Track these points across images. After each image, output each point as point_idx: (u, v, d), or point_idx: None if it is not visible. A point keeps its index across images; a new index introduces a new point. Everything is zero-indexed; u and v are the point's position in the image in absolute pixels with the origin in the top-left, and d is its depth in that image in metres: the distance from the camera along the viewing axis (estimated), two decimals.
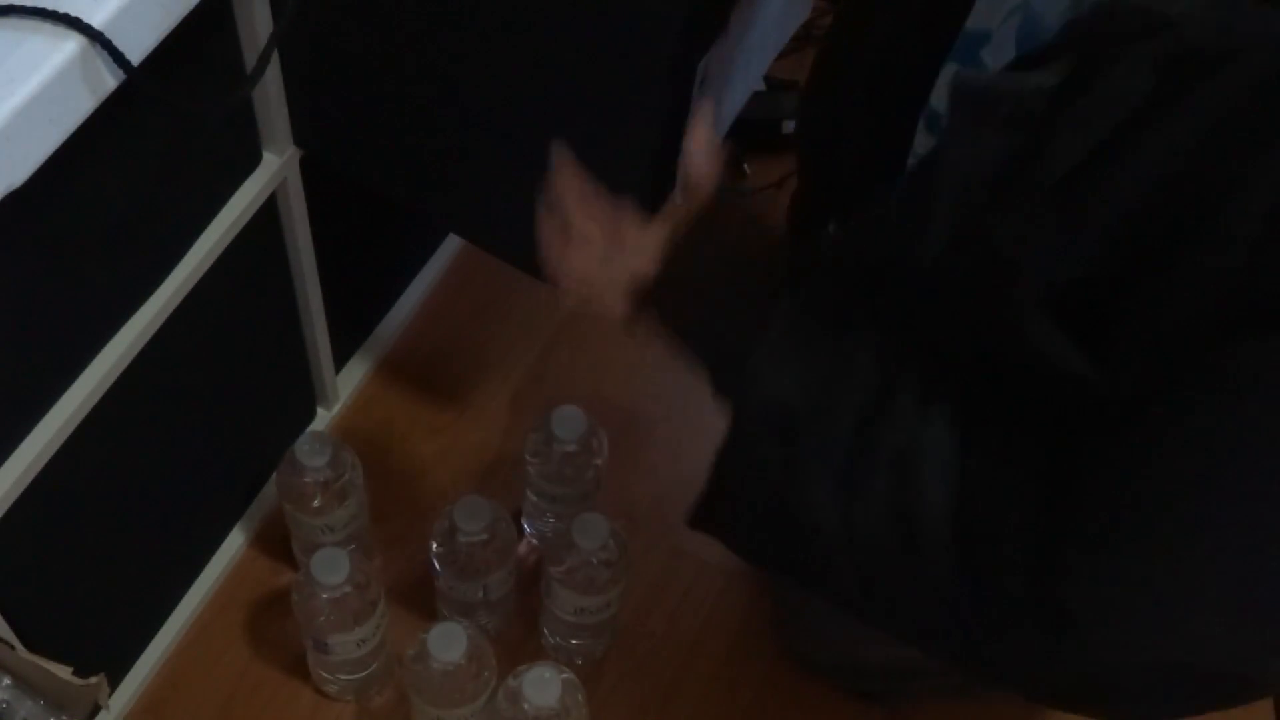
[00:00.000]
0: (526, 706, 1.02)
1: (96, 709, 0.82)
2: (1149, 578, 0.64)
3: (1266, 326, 0.57)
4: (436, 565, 1.16)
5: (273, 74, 0.94)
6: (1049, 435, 0.68)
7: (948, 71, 0.82)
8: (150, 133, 0.86)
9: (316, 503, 1.16)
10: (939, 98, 0.83)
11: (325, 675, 1.19)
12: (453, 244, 1.47)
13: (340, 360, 1.34)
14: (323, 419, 1.34)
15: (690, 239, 0.80)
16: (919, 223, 0.72)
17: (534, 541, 1.30)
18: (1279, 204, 0.55)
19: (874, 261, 0.80)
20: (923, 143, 0.84)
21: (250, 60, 0.89)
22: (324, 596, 1.08)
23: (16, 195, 0.66)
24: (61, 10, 0.65)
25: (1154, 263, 0.60)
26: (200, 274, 0.96)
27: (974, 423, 0.71)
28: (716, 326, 0.80)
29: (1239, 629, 0.65)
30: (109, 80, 0.68)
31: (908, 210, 0.77)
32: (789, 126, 1.54)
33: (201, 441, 1.13)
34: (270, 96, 0.95)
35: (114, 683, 1.17)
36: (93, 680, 0.80)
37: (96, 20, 0.66)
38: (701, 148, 0.80)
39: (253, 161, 1.00)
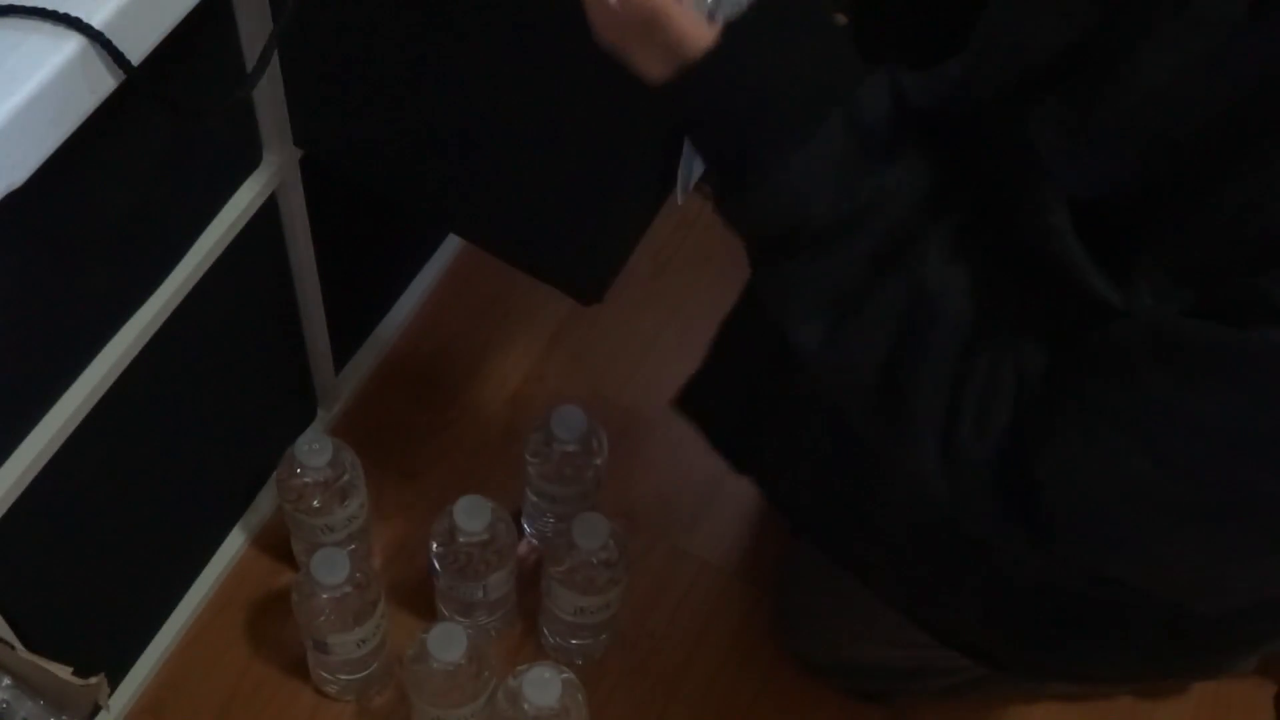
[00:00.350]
0: (526, 706, 1.02)
1: (96, 709, 0.82)
2: (1131, 464, 0.63)
3: None
4: (436, 565, 1.16)
5: (273, 74, 0.94)
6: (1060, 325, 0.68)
7: None
8: (150, 133, 0.86)
9: (316, 503, 1.16)
10: None
11: (325, 675, 1.19)
12: (453, 244, 1.47)
13: (340, 360, 1.34)
14: (323, 419, 1.34)
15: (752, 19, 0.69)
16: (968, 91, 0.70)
17: (534, 541, 1.30)
18: None
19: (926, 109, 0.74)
20: None
21: (250, 60, 0.89)
22: (324, 596, 1.08)
23: (16, 195, 0.66)
24: (61, 10, 0.65)
25: (1197, 186, 0.60)
26: (200, 274, 0.96)
27: (989, 293, 0.69)
28: (780, 89, 0.69)
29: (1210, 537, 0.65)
30: (109, 80, 0.68)
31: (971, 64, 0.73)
32: None
33: (201, 441, 1.13)
34: (270, 96, 0.95)
35: (114, 683, 1.17)
36: (93, 680, 0.80)
37: (96, 20, 0.66)
38: None
39: (253, 161, 1.00)
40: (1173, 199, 0.61)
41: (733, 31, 0.67)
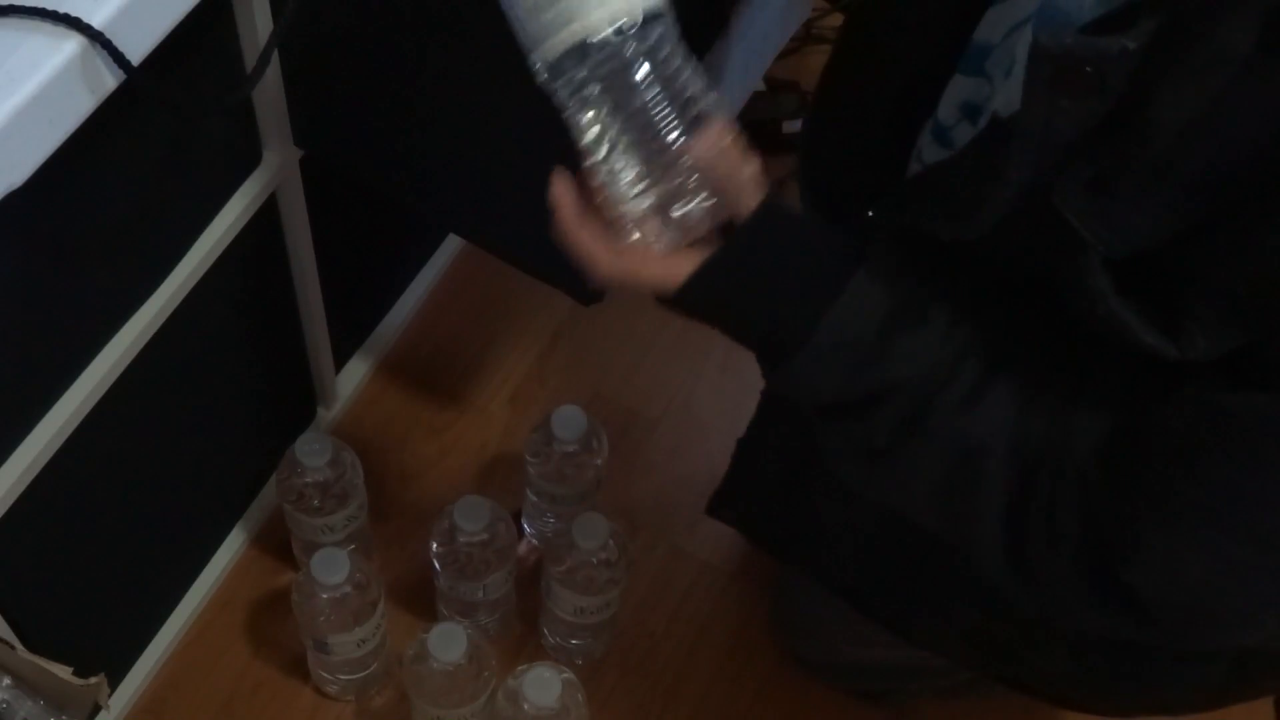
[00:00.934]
0: (526, 706, 1.02)
1: (96, 709, 0.82)
2: (1231, 553, 0.64)
3: None
4: (436, 565, 1.16)
5: (273, 74, 0.94)
6: (1115, 404, 0.68)
7: (954, 84, 0.81)
8: (150, 133, 0.86)
9: (316, 503, 1.16)
10: (946, 111, 0.82)
11: (325, 675, 1.19)
12: (453, 244, 1.47)
13: (340, 360, 1.34)
14: (323, 419, 1.34)
15: (748, 227, 0.73)
16: (976, 191, 0.70)
17: (534, 541, 1.30)
18: None
19: (919, 237, 0.75)
20: (932, 154, 0.83)
21: (250, 60, 0.89)
22: (324, 596, 1.08)
23: (16, 195, 0.66)
24: (61, 10, 0.65)
25: (1238, 225, 0.60)
26: (200, 274, 0.96)
27: (1038, 403, 0.70)
28: (785, 287, 0.73)
29: None
30: (109, 80, 0.68)
31: (966, 178, 0.74)
32: (789, 126, 1.54)
33: (201, 441, 1.13)
34: (270, 96, 0.95)
35: (114, 683, 1.17)
36: (93, 680, 0.79)
37: (96, 20, 0.65)
38: (711, 148, 0.71)
39: (253, 161, 1.00)
40: (1212, 242, 0.61)
41: (706, 266, 0.71)
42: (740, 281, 0.73)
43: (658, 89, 0.66)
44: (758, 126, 1.51)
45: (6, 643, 0.82)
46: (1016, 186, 0.67)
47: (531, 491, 1.24)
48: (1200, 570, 0.65)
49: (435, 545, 1.15)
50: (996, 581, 0.72)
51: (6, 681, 0.79)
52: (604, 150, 0.68)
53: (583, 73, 0.65)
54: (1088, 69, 0.62)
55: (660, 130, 0.67)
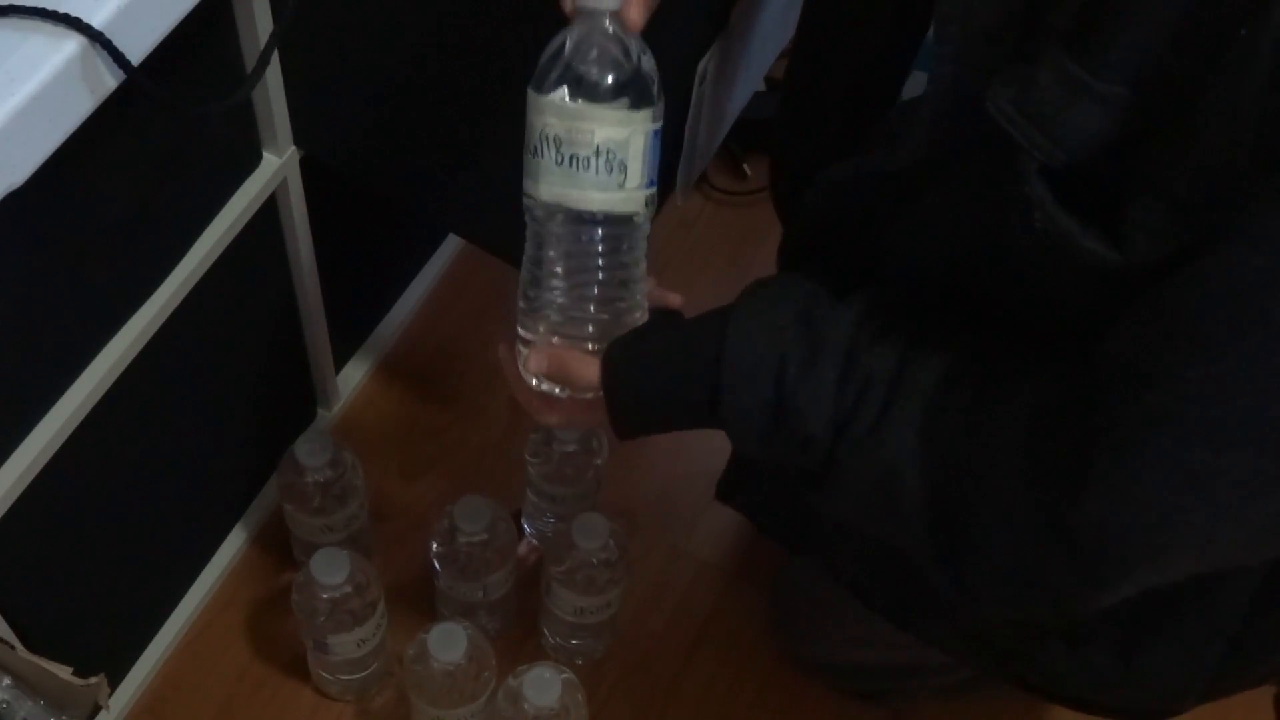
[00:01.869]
0: (526, 706, 1.02)
1: (96, 709, 0.82)
2: (1185, 460, 0.60)
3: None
4: (436, 565, 1.16)
5: (273, 74, 0.94)
6: (1048, 367, 0.66)
7: (913, 80, 0.81)
8: (150, 133, 0.86)
9: (316, 503, 1.16)
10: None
11: (325, 675, 1.19)
12: (453, 244, 1.47)
13: (340, 360, 1.34)
14: (323, 419, 1.34)
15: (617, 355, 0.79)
16: (911, 112, 0.69)
17: (534, 541, 1.30)
18: None
19: (856, 182, 0.77)
20: None
21: (250, 60, 0.89)
22: (324, 596, 1.08)
23: (16, 195, 0.66)
24: (61, 10, 0.65)
25: (1167, 117, 0.58)
26: (200, 274, 0.96)
27: (948, 413, 0.69)
28: (678, 362, 0.77)
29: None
30: (109, 80, 0.68)
31: (901, 109, 0.74)
32: None
33: (201, 441, 1.13)
34: (270, 96, 0.95)
35: (114, 683, 1.17)
36: (93, 680, 0.80)
37: (96, 20, 0.66)
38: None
39: (253, 161, 1.00)
40: (1149, 143, 0.59)
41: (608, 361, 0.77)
42: (640, 364, 0.78)
43: (605, 260, 0.78)
44: (758, 126, 1.51)
45: (6, 643, 0.82)
46: (946, 84, 0.67)
47: (531, 491, 1.24)
48: (1156, 486, 0.61)
49: (435, 545, 1.15)
50: (940, 589, 0.71)
51: (6, 681, 0.79)
52: (542, 268, 0.81)
53: (558, 221, 0.78)
54: None
55: (589, 282, 0.79)
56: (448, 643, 1.04)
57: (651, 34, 0.82)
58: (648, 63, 0.74)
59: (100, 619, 1.11)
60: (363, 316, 1.38)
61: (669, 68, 0.85)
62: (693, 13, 0.82)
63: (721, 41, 0.91)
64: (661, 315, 0.81)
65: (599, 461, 1.20)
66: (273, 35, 0.77)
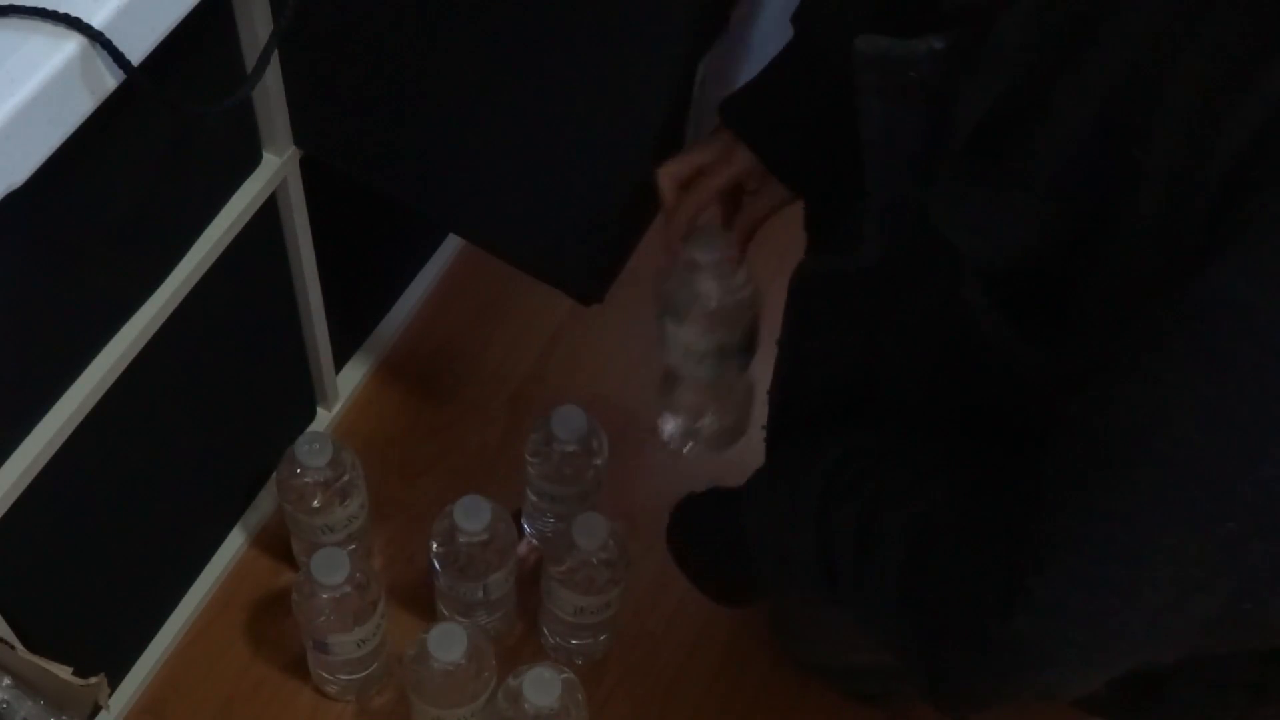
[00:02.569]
0: (526, 706, 1.02)
1: (96, 709, 0.82)
2: (1107, 576, 0.61)
3: (1169, 281, 0.55)
4: (436, 565, 1.16)
5: (273, 74, 0.94)
6: (1009, 472, 0.68)
7: None
8: (150, 133, 0.86)
9: (316, 503, 1.16)
10: None
11: (325, 675, 1.19)
12: (453, 244, 1.47)
13: (340, 360, 1.34)
14: (323, 419, 1.34)
15: None
16: (859, 220, 0.73)
17: (534, 541, 1.30)
18: (1178, 148, 0.54)
19: (834, 281, 0.82)
20: None
21: (250, 60, 0.89)
22: (324, 596, 1.08)
23: (16, 195, 0.66)
24: (61, 10, 0.65)
25: (1090, 227, 0.59)
26: (200, 274, 0.96)
27: (925, 488, 0.73)
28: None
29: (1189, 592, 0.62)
30: (109, 80, 0.68)
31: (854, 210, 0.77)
32: None
33: (201, 441, 1.13)
34: (270, 96, 0.95)
35: (114, 683, 1.17)
36: (93, 680, 0.80)
37: (96, 20, 0.65)
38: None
39: (253, 161, 1.00)
40: (1080, 247, 0.60)
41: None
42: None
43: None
44: None
45: (6, 643, 0.82)
46: (885, 198, 0.69)
47: (531, 491, 1.24)
48: (1083, 601, 0.62)
49: (435, 545, 1.15)
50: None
51: (6, 681, 0.79)
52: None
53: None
54: (911, 74, 0.62)
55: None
56: (448, 643, 1.04)
57: (652, 36, 0.82)
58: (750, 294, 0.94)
59: (100, 619, 1.11)
60: (363, 316, 1.38)
61: (669, 68, 0.85)
62: (694, 13, 0.82)
63: (722, 41, 0.91)
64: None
65: (599, 461, 1.20)
66: (273, 35, 0.77)
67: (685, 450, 1.08)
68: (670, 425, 1.07)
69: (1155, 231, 0.56)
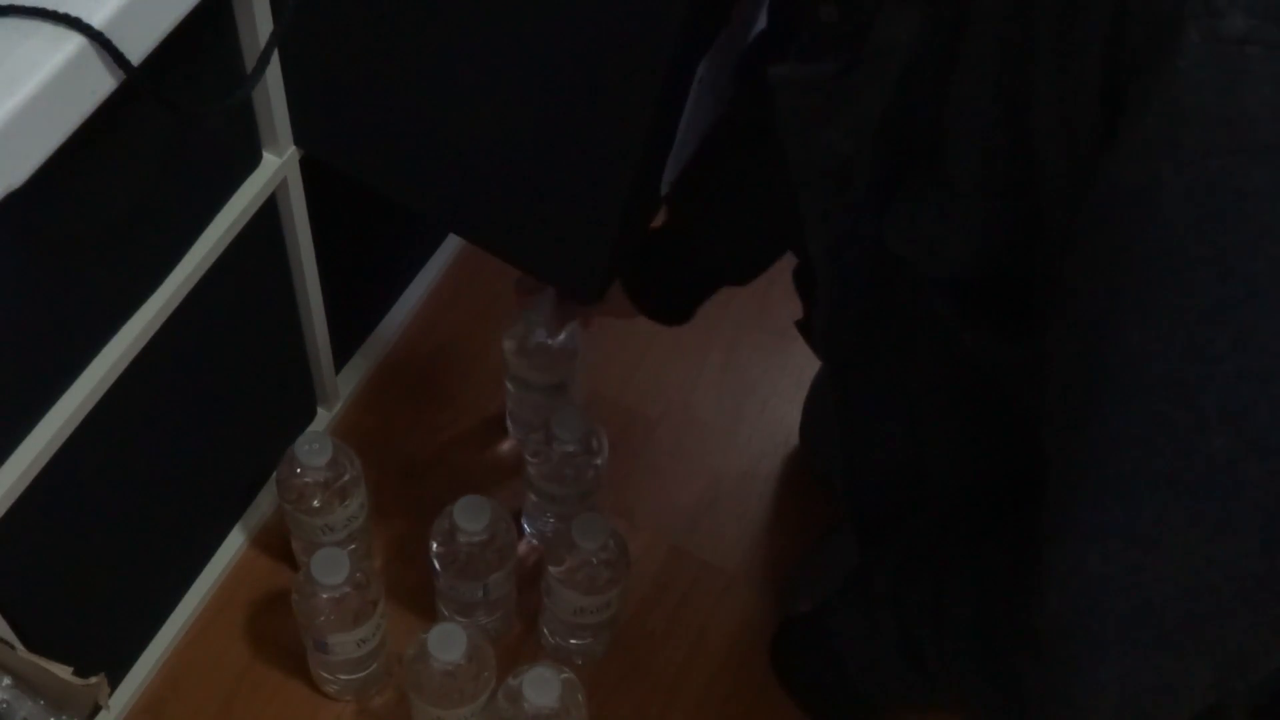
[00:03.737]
0: (526, 706, 1.02)
1: (97, 709, 0.82)
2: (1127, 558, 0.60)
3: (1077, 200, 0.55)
4: (436, 565, 1.16)
5: (273, 74, 0.94)
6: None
7: None
8: (150, 133, 0.86)
9: (316, 503, 1.16)
10: None
11: (325, 675, 1.19)
12: (453, 244, 1.47)
13: (340, 360, 1.34)
14: (323, 419, 1.34)
15: None
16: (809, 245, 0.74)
17: (534, 541, 1.30)
18: (1060, 122, 0.55)
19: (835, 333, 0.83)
20: None
21: (250, 60, 0.89)
22: (324, 596, 1.08)
23: (16, 195, 0.66)
24: (61, 10, 0.65)
25: (1031, 221, 0.59)
26: (200, 274, 0.96)
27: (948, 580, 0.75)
28: None
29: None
30: (109, 80, 0.68)
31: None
32: None
33: (201, 441, 1.13)
34: (270, 96, 0.95)
35: (114, 683, 1.17)
36: (93, 680, 0.79)
37: (96, 20, 0.66)
38: None
39: (253, 161, 1.00)
40: (1029, 240, 0.61)
41: None
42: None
43: None
44: None
45: (6, 643, 0.82)
46: (822, 225, 0.71)
47: (531, 491, 1.24)
48: (1101, 565, 0.61)
49: (435, 545, 1.15)
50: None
51: (6, 681, 0.79)
52: None
53: None
54: (817, 96, 0.64)
55: None
56: (448, 643, 1.04)
57: (651, 37, 0.82)
58: None
59: (100, 619, 1.11)
60: (363, 316, 1.38)
61: (669, 67, 0.85)
62: (692, 14, 0.82)
63: (721, 42, 0.90)
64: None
65: (599, 461, 1.20)
66: (273, 35, 0.78)
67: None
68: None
69: (1068, 188, 0.56)
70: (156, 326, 0.93)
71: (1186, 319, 0.53)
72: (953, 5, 0.58)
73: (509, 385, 1.30)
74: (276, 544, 1.27)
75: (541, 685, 1.02)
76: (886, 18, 0.60)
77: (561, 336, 1.24)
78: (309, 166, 1.04)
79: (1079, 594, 0.62)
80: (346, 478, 1.16)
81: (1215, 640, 0.61)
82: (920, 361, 0.76)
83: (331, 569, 1.06)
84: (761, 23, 0.97)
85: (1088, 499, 0.60)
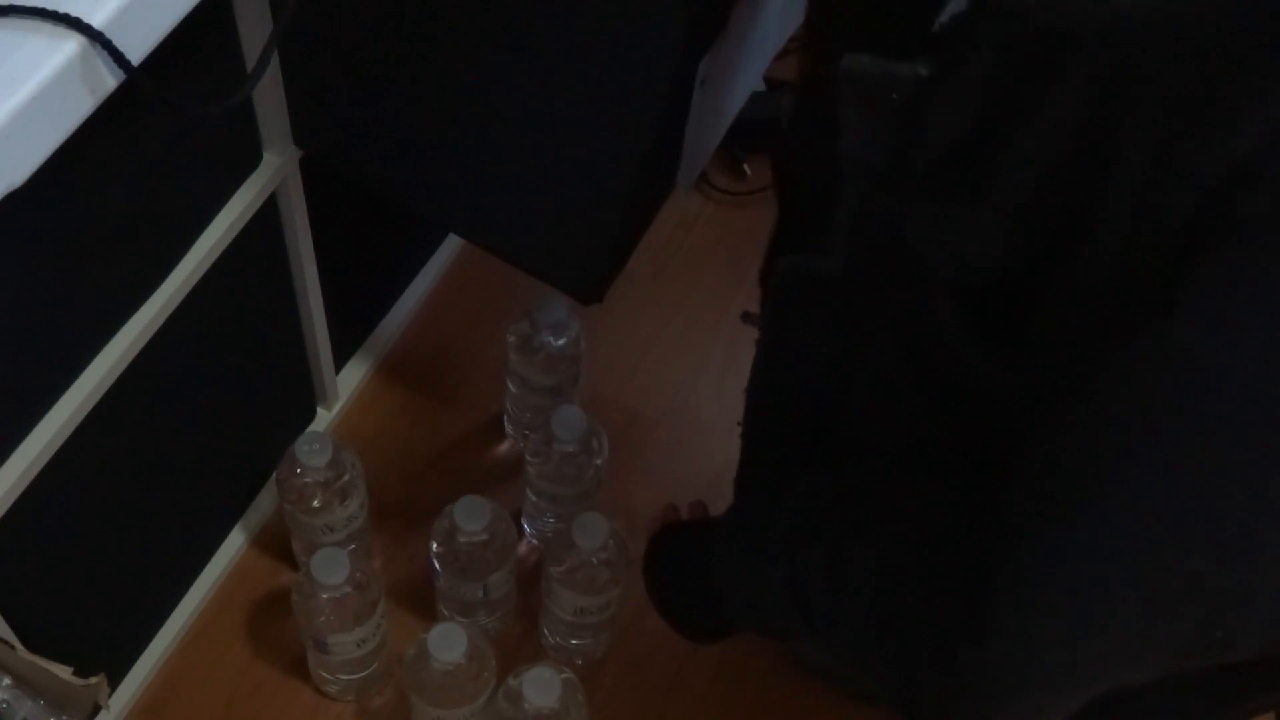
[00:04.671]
0: (526, 706, 1.02)
1: (96, 709, 0.82)
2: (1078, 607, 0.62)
3: (1131, 325, 0.57)
4: (436, 565, 1.16)
5: (273, 74, 0.94)
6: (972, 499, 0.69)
7: None
8: (150, 133, 0.86)
9: (316, 503, 1.16)
10: None
11: (325, 675, 1.19)
12: (453, 244, 1.47)
13: (340, 360, 1.34)
14: (323, 419, 1.34)
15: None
16: (831, 223, 0.74)
17: (534, 541, 1.30)
18: (1141, 196, 0.56)
19: (811, 284, 0.83)
20: None
21: (250, 60, 0.89)
22: (324, 596, 1.08)
23: (16, 195, 0.66)
24: (61, 10, 0.65)
25: (1053, 251, 0.60)
26: (200, 274, 0.96)
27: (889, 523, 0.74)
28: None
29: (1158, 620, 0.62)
30: (109, 80, 0.68)
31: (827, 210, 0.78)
32: None
33: (202, 441, 1.13)
34: (270, 96, 0.95)
35: (114, 683, 1.17)
36: (93, 680, 0.79)
37: (96, 20, 0.65)
38: None
39: (253, 161, 1.00)
40: (1044, 267, 0.61)
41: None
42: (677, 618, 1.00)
43: None
44: (758, 126, 1.51)
45: (6, 643, 0.82)
46: (851, 212, 0.71)
47: (531, 491, 1.24)
48: (1053, 629, 0.63)
49: (435, 545, 1.15)
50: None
51: (6, 681, 0.79)
52: None
53: None
54: (893, 95, 0.64)
55: None
56: (448, 643, 1.04)
57: (652, 37, 0.82)
58: None
59: (100, 619, 1.11)
60: (363, 316, 1.38)
61: (669, 68, 0.85)
62: (693, 14, 0.82)
63: (721, 42, 0.90)
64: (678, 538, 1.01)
65: (599, 461, 1.20)
66: (273, 35, 0.77)
67: None
68: None
69: (1116, 261, 0.57)
70: (156, 326, 0.93)
71: (1211, 473, 0.57)
72: (1055, 54, 0.58)
73: (509, 384, 1.30)
74: (276, 544, 1.27)
75: (541, 685, 1.02)
76: (989, 47, 0.60)
77: (564, 338, 1.24)
78: (309, 166, 1.04)
79: (1020, 649, 0.64)
80: (346, 478, 1.16)
81: (1121, 678, 0.65)
82: (884, 321, 0.77)
83: (331, 569, 1.06)
84: (761, 28, 0.97)
85: (1055, 578, 0.62)
